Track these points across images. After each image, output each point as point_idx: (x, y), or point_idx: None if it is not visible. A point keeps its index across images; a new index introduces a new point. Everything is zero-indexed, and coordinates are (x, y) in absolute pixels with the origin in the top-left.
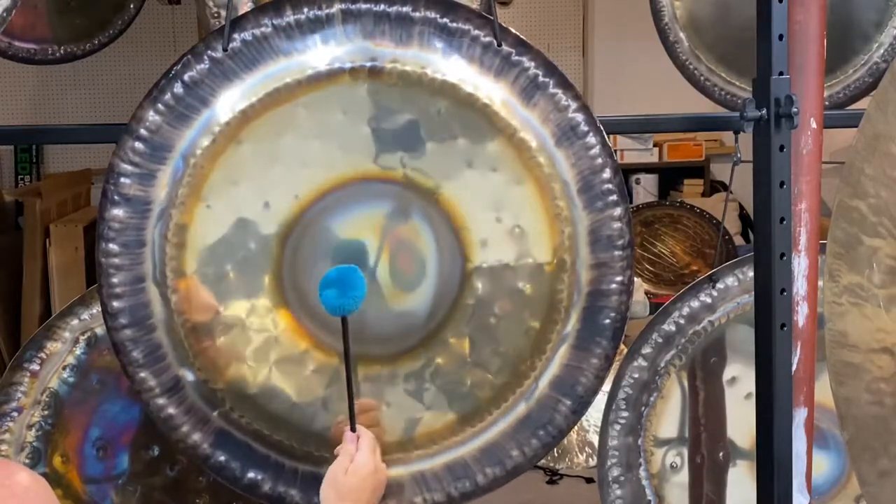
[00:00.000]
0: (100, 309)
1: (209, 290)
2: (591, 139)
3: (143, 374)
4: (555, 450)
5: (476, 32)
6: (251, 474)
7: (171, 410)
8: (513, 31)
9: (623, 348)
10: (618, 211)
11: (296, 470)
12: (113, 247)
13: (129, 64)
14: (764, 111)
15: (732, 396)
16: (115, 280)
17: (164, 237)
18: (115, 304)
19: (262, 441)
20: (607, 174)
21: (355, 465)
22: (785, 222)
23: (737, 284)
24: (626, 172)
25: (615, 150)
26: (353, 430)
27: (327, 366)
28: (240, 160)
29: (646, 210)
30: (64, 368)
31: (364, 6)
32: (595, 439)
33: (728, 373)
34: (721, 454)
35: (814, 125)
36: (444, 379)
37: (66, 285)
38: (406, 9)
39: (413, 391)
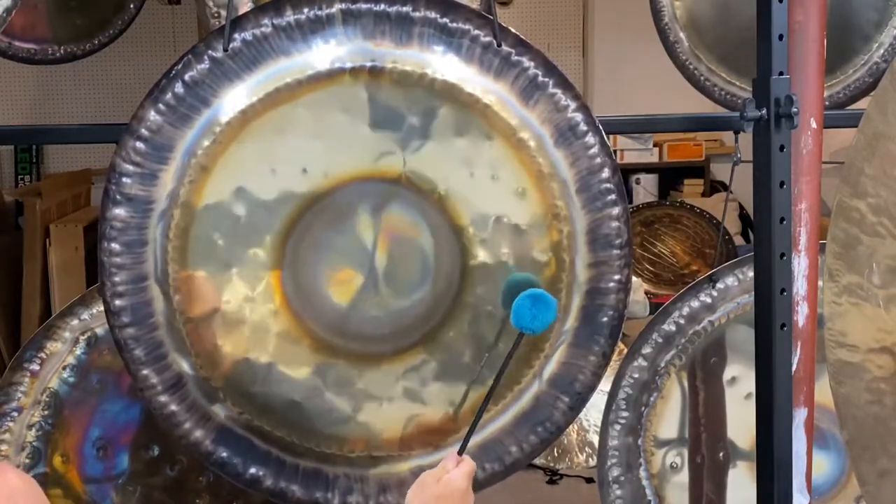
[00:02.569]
0: (100, 309)
1: (211, 289)
2: (590, 139)
3: (145, 372)
4: (555, 450)
5: (476, 32)
6: (253, 470)
7: (173, 407)
8: (513, 31)
9: (623, 348)
10: (616, 210)
11: (297, 466)
12: (115, 246)
13: (129, 64)
14: (764, 111)
15: (732, 396)
16: (117, 279)
17: (165, 236)
18: (118, 302)
19: (264, 437)
20: (606, 174)
21: (449, 476)
22: (785, 222)
23: (737, 284)
24: (626, 172)
25: (615, 150)
26: (460, 453)
27: (327, 364)
28: (240, 160)
29: (646, 210)
30: (64, 368)
31: (364, 6)
32: (595, 439)
33: (728, 373)
34: (721, 454)
35: (814, 125)
36: (444, 376)
37: (66, 285)
38: (406, 9)
39: (413, 388)
